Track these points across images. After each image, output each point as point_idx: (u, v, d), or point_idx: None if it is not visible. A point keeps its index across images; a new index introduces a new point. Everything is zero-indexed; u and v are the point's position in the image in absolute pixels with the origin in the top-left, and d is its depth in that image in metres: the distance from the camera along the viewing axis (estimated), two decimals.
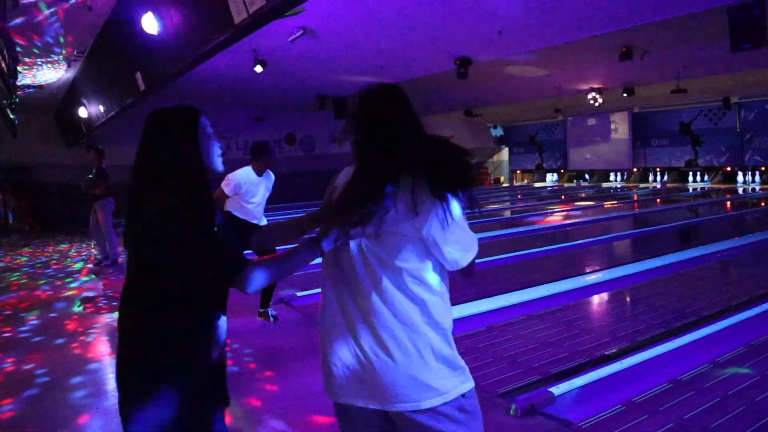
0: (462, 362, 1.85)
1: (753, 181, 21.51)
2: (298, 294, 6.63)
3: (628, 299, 6.60)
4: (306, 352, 4.85)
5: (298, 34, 9.66)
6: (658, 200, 18.17)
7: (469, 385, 1.83)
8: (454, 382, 1.79)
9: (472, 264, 1.85)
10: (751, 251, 9.20)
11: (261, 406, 3.88)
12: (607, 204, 17.46)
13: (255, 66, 11.30)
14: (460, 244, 1.78)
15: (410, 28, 10.08)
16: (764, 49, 9.60)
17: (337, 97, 17.97)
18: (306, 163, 22.41)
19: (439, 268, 1.84)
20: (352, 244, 1.83)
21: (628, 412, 3.53)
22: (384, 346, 1.76)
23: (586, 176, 26.78)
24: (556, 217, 14.52)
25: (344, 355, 1.82)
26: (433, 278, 1.81)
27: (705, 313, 5.53)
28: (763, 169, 21.27)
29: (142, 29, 6.88)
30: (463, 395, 1.79)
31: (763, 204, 16.61)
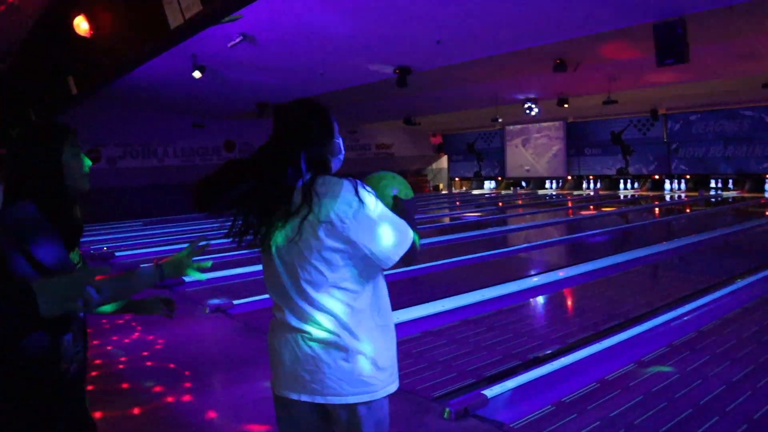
0: (391, 363, 1.95)
1: (679, 188, 22.51)
2: (235, 302, 6.57)
3: (560, 303, 6.81)
4: (241, 362, 4.81)
5: (237, 40, 9.59)
6: (591, 207, 18.76)
7: (395, 387, 1.96)
8: (382, 382, 1.91)
9: (409, 253, 1.89)
10: (677, 255, 9.64)
11: (195, 417, 3.83)
12: (543, 210, 17.92)
13: (193, 71, 11.16)
14: (383, 238, 1.82)
15: (351, 37, 10.15)
16: (688, 64, 10.08)
17: (278, 104, 17.86)
18: None
19: (365, 269, 1.89)
20: (274, 250, 1.90)
21: (557, 412, 3.66)
22: (320, 344, 1.87)
23: (523, 183, 27.44)
24: (493, 224, 14.81)
25: (284, 351, 1.93)
26: (355, 280, 1.88)
27: (632, 315, 5.76)
28: (688, 177, 22.27)
29: (74, 31, 6.71)
30: (387, 396, 1.93)
31: (688, 210, 17.38)
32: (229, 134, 21.73)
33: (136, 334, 5.73)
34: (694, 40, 9.66)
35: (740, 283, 6.94)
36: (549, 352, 4.75)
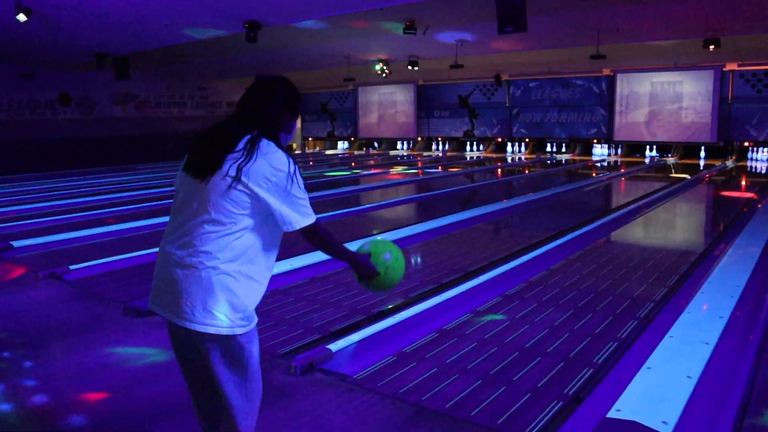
0: (250, 310, 2.19)
1: (519, 151, 24.00)
2: (71, 267, 6.16)
3: (406, 259, 7.05)
4: (79, 329, 4.55)
5: None
6: (440, 167, 19.51)
7: (247, 329, 2.19)
8: (234, 321, 2.13)
9: (312, 229, 2.26)
10: (515, 212, 10.34)
11: (32, 386, 3.59)
12: (394, 170, 18.38)
13: (17, 14, 10.10)
14: (292, 207, 2.16)
15: None
16: (528, 33, 10.67)
17: (119, 55, 16.71)
18: (85, 127, 20.59)
19: (263, 224, 2.18)
20: (190, 184, 2.20)
21: (398, 362, 3.83)
22: (188, 271, 2.11)
23: (375, 144, 27.90)
24: (345, 184, 14.98)
25: (161, 272, 2.21)
26: (250, 231, 2.16)
27: (471, 269, 6.12)
28: (527, 140, 23.77)
29: None
30: (240, 335, 2.16)
31: (526, 171, 18.60)
32: (65, 86, 20.02)
33: None
34: (532, 10, 10.23)
35: (566, 238, 7.59)
36: (392, 305, 4.93)
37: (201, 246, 2.11)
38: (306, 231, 2.25)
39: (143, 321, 4.66)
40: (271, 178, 2.11)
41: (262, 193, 2.11)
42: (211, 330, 2.11)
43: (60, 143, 19.52)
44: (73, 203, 11.42)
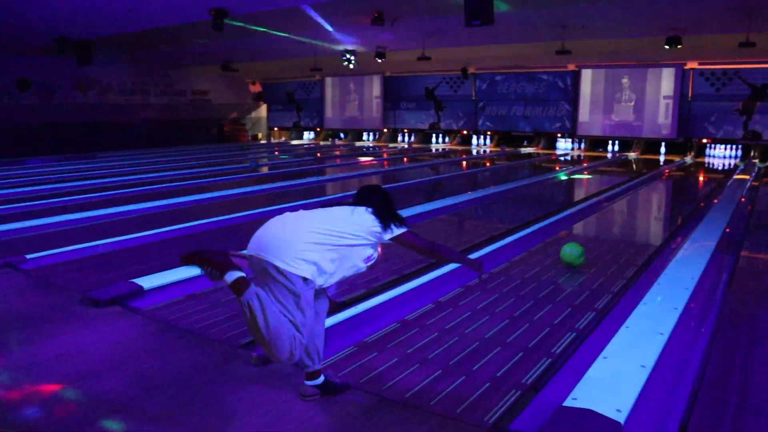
0: None
1: (485, 144, 24.18)
2: (28, 257, 6.03)
3: None
4: (37, 319, 4.46)
5: None
6: (405, 159, 19.55)
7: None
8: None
9: None
10: (480, 204, 10.42)
11: None
12: (360, 161, 18.36)
13: None
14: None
15: None
16: (494, 26, 10.73)
17: (81, 40, 16.31)
18: (44, 114, 20.05)
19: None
20: None
21: (359, 352, 3.85)
22: None
23: (341, 135, 27.81)
24: (311, 174, 14.92)
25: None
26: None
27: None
28: (491, 133, 23.96)
29: None
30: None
31: (488, 164, 18.75)
32: (23, 71, 19.42)
33: None
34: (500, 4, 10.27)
35: (528, 230, 7.69)
36: (354, 296, 4.94)
37: None
38: None
39: (101, 311, 4.59)
40: None
41: None
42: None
43: (17, 130, 19.01)
44: (30, 191, 11.15)
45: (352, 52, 19.13)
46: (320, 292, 3.23)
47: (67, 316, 4.52)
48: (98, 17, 13.08)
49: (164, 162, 16.84)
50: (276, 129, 29.37)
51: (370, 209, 3.18)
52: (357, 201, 3.28)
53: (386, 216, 3.19)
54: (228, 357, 3.83)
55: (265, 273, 2.96)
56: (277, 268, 2.91)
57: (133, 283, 5.05)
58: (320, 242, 2.99)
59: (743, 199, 10.70)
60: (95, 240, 6.85)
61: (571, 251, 5.83)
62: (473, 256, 6.14)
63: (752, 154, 19.24)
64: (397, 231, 3.17)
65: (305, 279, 2.95)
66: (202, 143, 24.34)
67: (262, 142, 27.86)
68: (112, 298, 4.74)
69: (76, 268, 5.83)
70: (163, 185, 11.48)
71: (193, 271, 5.45)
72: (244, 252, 3.08)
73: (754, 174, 14.85)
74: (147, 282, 5.09)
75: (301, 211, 3.20)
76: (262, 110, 29.01)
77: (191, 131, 24.61)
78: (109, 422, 3.04)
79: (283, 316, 2.93)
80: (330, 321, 4.27)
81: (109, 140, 21.14)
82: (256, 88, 28.76)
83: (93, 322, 4.41)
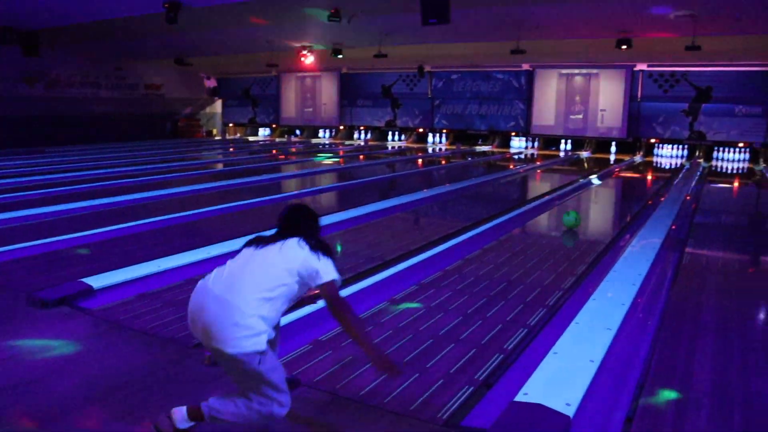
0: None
1: (440, 141, 24.36)
2: None
3: None
4: None
5: None
6: (361, 156, 19.55)
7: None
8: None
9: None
10: (435, 202, 10.50)
11: None
12: (315, 158, 18.28)
13: None
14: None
15: None
16: (450, 25, 10.82)
17: (26, 30, 15.80)
18: None
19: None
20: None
21: (314, 350, 3.86)
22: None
23: (297, 132, 27.65)
24: (265, 171, 14.80)
25: None
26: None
27: (389, 257, 6.19)
28: (447, 131, 24.16)
29: None
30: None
31: (444, 162, 18.91)
32: None
33: None
34: (456, 2, 10.37)
35: (482, 228, 7.79)
36: (307, 294, 4.91)
37: None
38: None
39: (48, 312, 4.48)
40: None
41: None
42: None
43: None
44: None
45: (309, 48, 19.04)
46: None
47: (13, 317, 4.40)
48: (46, 6, 12.70)
49: (115, 158, 16.46)
50: (231, 125, 29.02)
51: (297, 238, 2.92)
52: (283, 226, 3.04)
53: (314, 243, 2.96)
54: (180, 357, 3.78)
55: (219, 356, 2.72)
56: (232, 357, 2.64)
57: (82, 282, 4.93)
58: (264, 298, 2.71)
59: (688, 198, 11.05)
60: (42, 238, 6.67)
61: (568, 219, 7.96)
62: (429, 254, 6.23)
63: (697, 153, 19.90)
64: (326, 273, 2.91)
65: (261, 352, 2.67)
66: (155, 138, 23.88)
67: (217, 138, 27.49)
68: (60, 298, 4.63)
69: (22, 267, 5.67)
70: (114, 182, 11.21)
71: (144, 269, 5.38)
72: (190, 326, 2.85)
73: (698, 173, 15.35)
74: (96, 281, 4.98)
75: (228, 269, 2.84)
76: (217, 106, 28.61)
77: (143, 126, 24.11)
78: (61, 426, 2.97)
79: (258, 408, 2.78)
80: (285, 319, 4.26)
81: (59, 135, 20.54)
82: (211, 83, 28.35)
83: (40, 323, 4.30)
